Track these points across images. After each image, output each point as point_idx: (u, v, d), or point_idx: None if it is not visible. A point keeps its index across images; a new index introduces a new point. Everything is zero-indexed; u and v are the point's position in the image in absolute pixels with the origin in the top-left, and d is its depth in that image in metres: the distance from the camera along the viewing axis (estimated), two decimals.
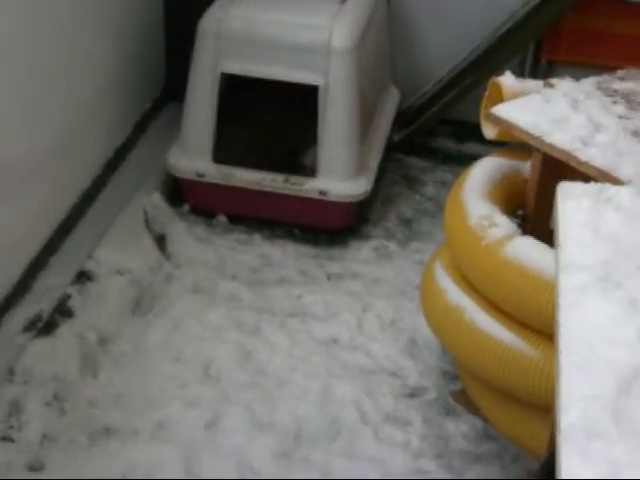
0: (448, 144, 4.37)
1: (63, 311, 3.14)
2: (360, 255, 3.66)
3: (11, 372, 2.89)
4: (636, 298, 1.75)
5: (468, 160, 3.22)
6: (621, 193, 2.07)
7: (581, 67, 3.75)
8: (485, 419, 2.90)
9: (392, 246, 3.71)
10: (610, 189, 2.09)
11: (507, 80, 2.88)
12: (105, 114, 3.76)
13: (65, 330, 3.08)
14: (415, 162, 4.26)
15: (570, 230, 1.95)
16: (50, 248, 3.35)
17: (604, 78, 2.86)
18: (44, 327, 3.07)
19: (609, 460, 1.43)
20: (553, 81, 2.83)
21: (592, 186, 2.09)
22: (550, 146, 2.54)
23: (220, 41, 3.50)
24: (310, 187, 3.60)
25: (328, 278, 3.54)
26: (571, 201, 2.04)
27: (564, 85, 2.79)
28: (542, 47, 4.06)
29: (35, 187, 3.22)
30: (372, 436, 2.90)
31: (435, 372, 3.14)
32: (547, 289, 2.39)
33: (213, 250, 3.61)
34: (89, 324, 3.13)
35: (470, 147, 4.23)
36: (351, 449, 2.85)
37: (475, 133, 4.10)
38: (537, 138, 2.58)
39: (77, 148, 3.51)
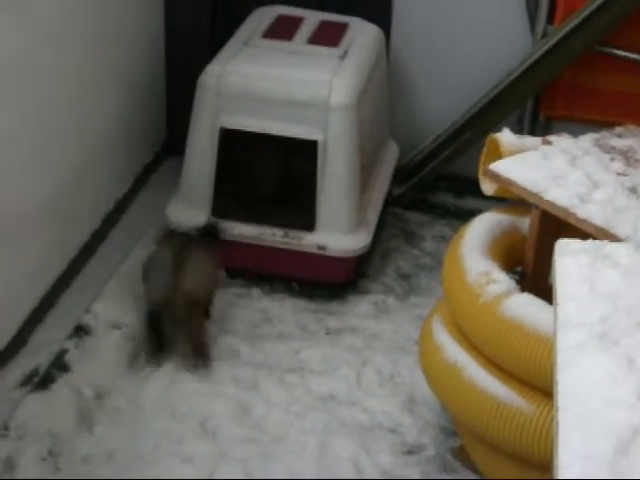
0: (447, 199, 4.38)
1: (60, 365, 3.13)
2: (359, 310, 3.65)
3: (6, 427, 2.88)
4: (634, 356, 1.74)
5: (467, 215, 3.23)
6: (619, 250, 2.07)
7: (579, 123, 3.78)
8: (483, 476, 2.87)
9: (391, 301, 3.70)
10: (608, 246, 2.09)
11: (505, 137, 2.90)
12: (106, 167, 3.78)
13: (61, 385, 3.07)
14: (414, 217, 4.26)
15: (568, 287, 1.95)
16: (48, 302, 3.35)
17: (602, 135, 2.87)
18: (40, 382, 3.06)
19: None
20: (551, 138, 2.85)
21: (590, 243, 2.09)
22: (548, 203, 2.55)
23: (219, 97, 3.52)
24: (309, 242, 3.60)
25: (327, 333, 3.52)
26: (569, 258, 2.03)
27: (562, 142, 2.80)
28: (540, 103, 4.09)
29: (34, 240, 3.23)
30: None
31: (434, 429, 3.11)
32: (545, 346, 2.38)
33: (212, 305, 3.59)
34: (85, 379, 3.11)
35: (469, 202, 4.24)
36: None
37: (474, 188, 4.12)
38: (535, 195, 2.58)
39: (77, 201, 3.53)
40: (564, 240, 2.10)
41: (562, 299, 1.92)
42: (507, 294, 2.55)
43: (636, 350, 1.76)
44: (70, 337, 3.24)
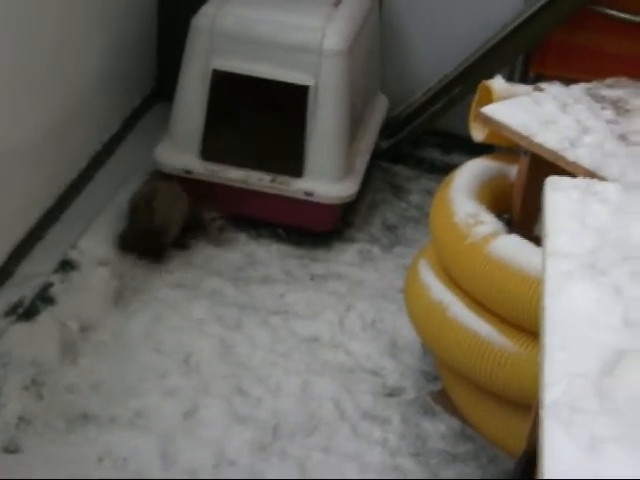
0: (434, 155, 4.39)
1: (45, 298, 3.13)
2: (344, 257, 3.67)
3: None
4: (621, 285, 1.76)
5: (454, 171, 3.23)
6: (608, 188, 2.10)
7: (569, 82, 3.79)
8: (463, 419, 2.90)
9: (376, 250, 3.72)
10: (597, 184, 2.11)
11: (497, 83, 2.90)
12: (94, 108, 3.76)
13: (46, 317, 3.07)
14: (401, 170, 4.28)
15: (558, 220, 1.97)
16: (34, 236, 3.35)
17: (593, 85, 2.89)
18: (25, 313, 3.06)
19: (591, 434, 1.43)
20: (543, 85, 2.86)
21: (580, 180, 2.11)
22: (539, 146, 2.56)
23: (213, 38, 3.51)
24: (296, 187, 3.61)
25: (311, 278, 3.54)
26: (559, 193, 2.05)
27: (554, 89, 2.82)
28: (531, 61, 4.09)
29: (22, 175, 3.22)
30: (350, 432, 2.90)
31: (415, 373, 3.14)
32: (530, 286, 2.41)
33: (197, 246, 3.60)
34: (70, 312, 3.12)
35: (456, 159, 4.23)
36: (328, 444, 2.85)
37: (461, 145, 4.18)
38: (526, 138, 2.60)
39: (65, 140, 3.51)
40: (555, 177, 2.12)
41: (552, 231, 1.93)
42: (495, 235, 2.57)
43: (623, 281, 1.78)
44: (56, 271, 3.24)
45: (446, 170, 4.07)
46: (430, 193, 4.05)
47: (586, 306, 1.71)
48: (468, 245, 2.59)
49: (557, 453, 1.41)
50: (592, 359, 1.58)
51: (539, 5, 3.87)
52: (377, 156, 4.17)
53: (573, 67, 4.01)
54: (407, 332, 3.22)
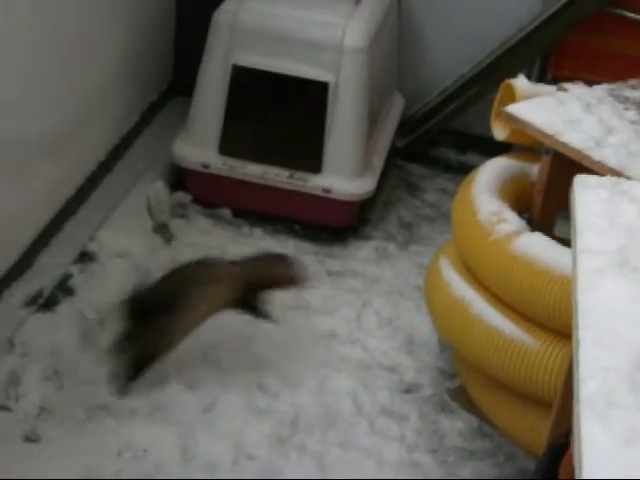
0: (449, 154, 4.41)
1: (64, 289, 3.15)
2: (360, 254, 3.68)
3: (11, 343, 2.90)
4: None
5: (468, 170, 3.21)
6: (635, 187, 2.10)
7: (588, 84, 3.81)
8: (481, 417, 2.91)
9: (392, 247, 3.74)
10: (625, 183, 2.12)
11: (520, 82, 2.92)
12: (113, 101, 3.78)
13: (65, 307, 3.09)
14: (416, 169, 4.30)
15: (587, 218, 1.98)
16: (53, 227, 3.36)
17: (616, 86, 2.90)
18: (45, 303, 3.08)
19: (629, 427, 1.44)
20: (566, 85, 2.87)
21: (608, 179, 2.12)
22: (563, 145, 2.57)
23: (233, 33, 3.53)
24: (314, 184, 3.62)
25: (328, 274, 3.55)
26: (588, 191, 2.06)
27: (577, 89, 2.83)
28: (548, 63, 4.10)
29: (42, 167, 3.24)
30: (367, 428, 2.91)
31: (432, 370, 3.15)
32: (554, 284, 2.42)
33: (214, 241, 3.61)
34: (89, 303, 3.13)
35: (471, 158, 4.27)
36: (346, 439, 2.86)
37: (476, 145, 4.19)
38: (551, 137, 2.61)
39: (84, 132, 3.52)
40: (582, 175, 2.13)
41: (582, 229, 1.94)
42: (518, 232, 2.59)
43: None
44: (75, 262, 3.25)
45: (461, 169, 4.13)
46: (445, 192, 4.08)
47: (618, 302, 1.72)
48: (491, 242, 2.60)
49: (595, 447, 1.41)
50: (625, 354, 1.59)
51: (557, 7, 3.88)
52: (392, 154, 4.18)
53: (590, 69, 4.01)
54: (424, 329, 3.24)
